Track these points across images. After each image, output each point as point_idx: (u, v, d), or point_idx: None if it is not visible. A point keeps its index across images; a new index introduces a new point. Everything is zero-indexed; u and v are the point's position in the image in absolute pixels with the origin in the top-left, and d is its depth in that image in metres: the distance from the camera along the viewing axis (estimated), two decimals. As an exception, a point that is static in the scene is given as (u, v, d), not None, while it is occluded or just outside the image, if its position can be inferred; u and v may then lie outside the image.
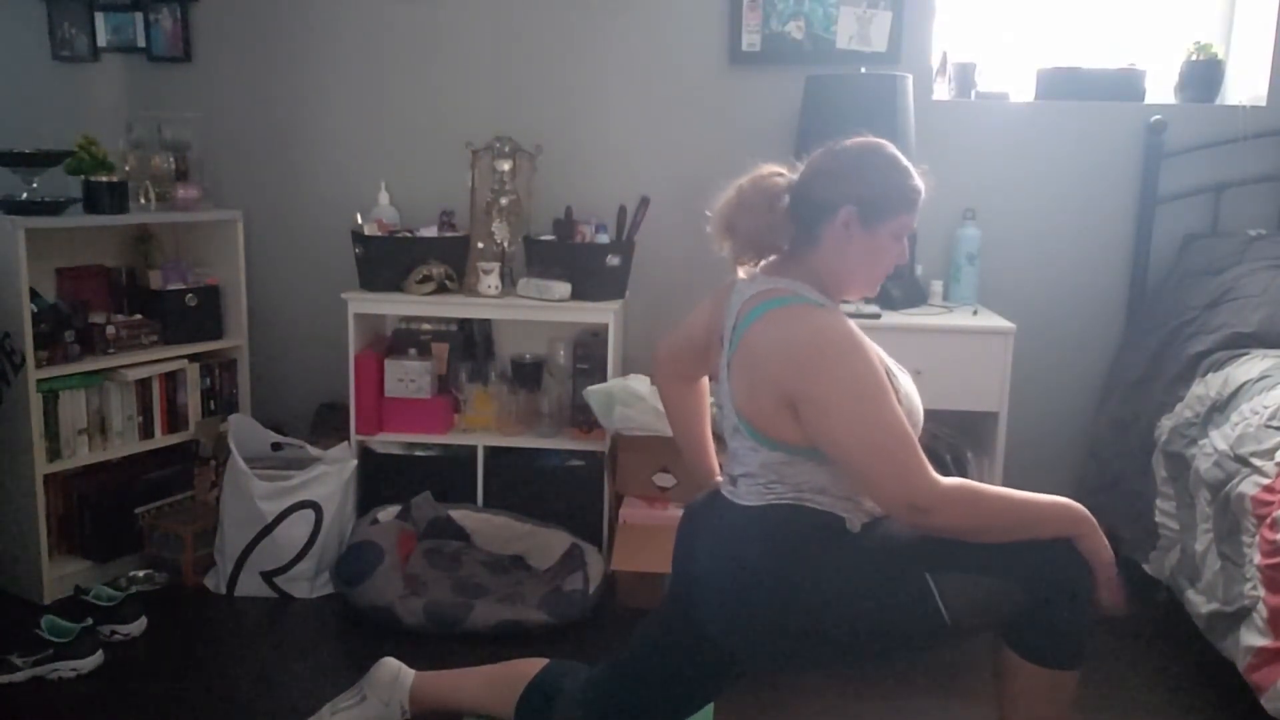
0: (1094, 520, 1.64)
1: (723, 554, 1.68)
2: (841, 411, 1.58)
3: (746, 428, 1.66)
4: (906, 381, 1.75)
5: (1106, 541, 1.63)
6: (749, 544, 1.65)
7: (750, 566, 1.64)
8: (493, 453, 2.97)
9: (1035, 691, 1.66)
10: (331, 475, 2.80)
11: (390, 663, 2.07)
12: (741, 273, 1.78)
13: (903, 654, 1.81)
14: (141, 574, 2.79)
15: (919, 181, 1.74)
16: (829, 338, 1.61)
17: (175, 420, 2.98)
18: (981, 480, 2.72)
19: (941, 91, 3.11)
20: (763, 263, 1.75)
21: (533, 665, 1.98)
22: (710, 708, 2.19)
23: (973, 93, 3.09)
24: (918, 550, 1.62)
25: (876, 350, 1.69)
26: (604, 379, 2.91)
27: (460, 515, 2.89)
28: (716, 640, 1.73)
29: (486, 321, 3.16)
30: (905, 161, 1.73)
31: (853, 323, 1.66)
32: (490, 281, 2.92)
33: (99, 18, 3.26)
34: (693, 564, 1.76)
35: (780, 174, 1.75)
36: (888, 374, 1.67)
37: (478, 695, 2.01)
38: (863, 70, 2.81)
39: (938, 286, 2.95)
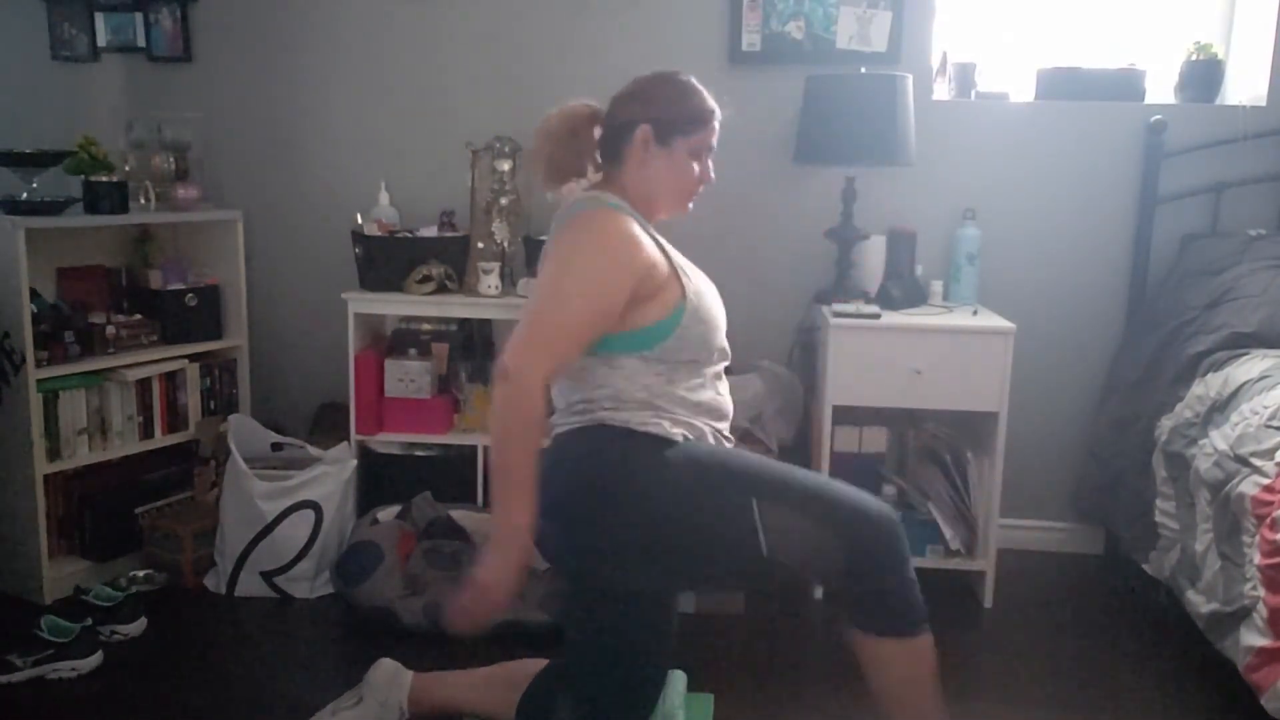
0: (514, 554, 1.62)
1: (543, 483, 1.68)
2: (544, 271, 1.71)
3: None
4: (703, 283, 1.80)
5: (499, 571, 1.61)
6: (560, 468, 1.71)
7: (567, 486, 1.70)
8: (493, 453, 2.97)
9: (894, 665, 1.70)
10: (331, 475, 2.80)
11: (387, 664, 2.07)
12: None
13: (727, 581, 1.87)
14: (141, 574, 2.79)
15: (712, 103, 1.86)
16: (590, 220, 1.72)
17: (175, 420, 2.98)
18: (981, 481, 2.73)
19: (941, 91, 3.10)
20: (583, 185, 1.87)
21: (533, 665, 1.98)
22: (710, 706, 2.18)
23: (973, 93, 3.09)
24: (748, 477, 1.68)
25: (666, 259, 1.74)
26: (604, 379, 2.91)
27: (460, 515, 2.88)
28: (569, 573, 1.79)
29: (486, 321, 3.16)
30: (699, 86, 1.86)
31: (635, 229, 1.72)
32: (490, 281, 2.92)
33: (99, 18, 3.26)
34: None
35: (587, 105, 1.87)
36: (677, 271, 1.73)
37: (478, 695, 2.01)
38: (863, 70, 2.81)
39: (938, 286, 2.95)
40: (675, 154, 1.81)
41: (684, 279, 1.74)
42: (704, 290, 1.79)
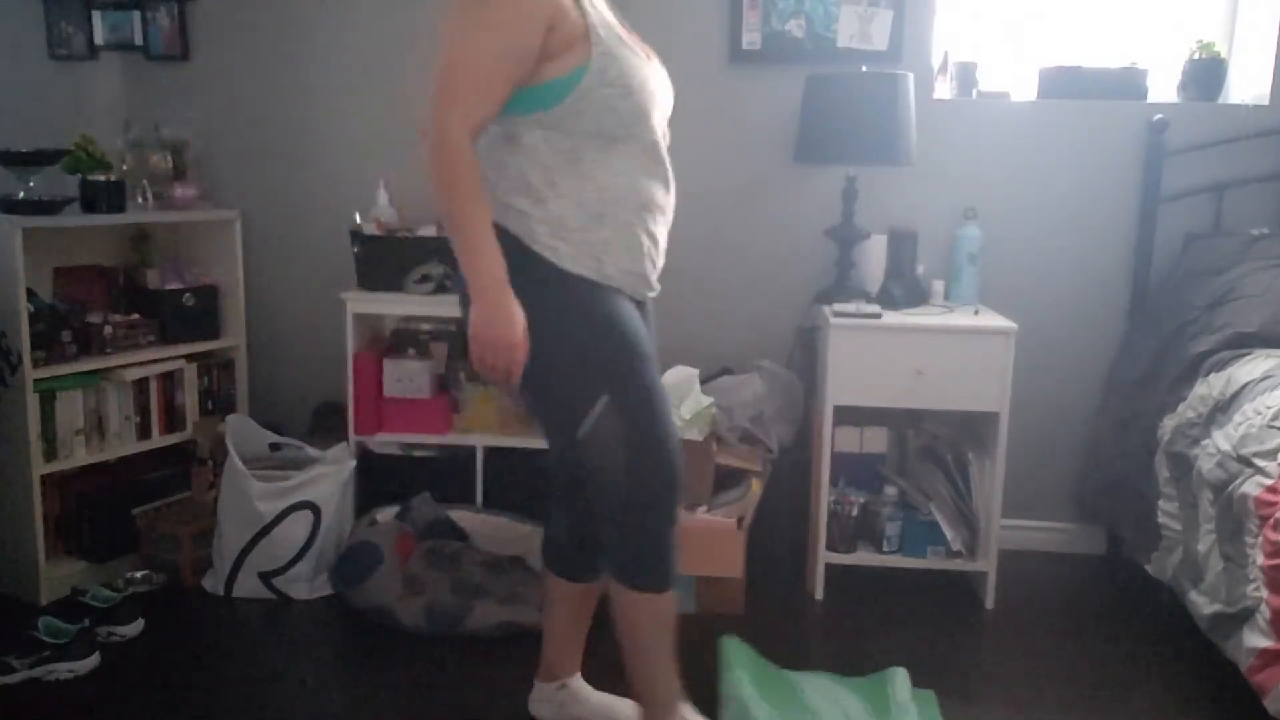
0: (501, 300, 1.66)
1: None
2: (448, 19, 1.64)
3: None
4: (629, 53, 1.71)
5: (494, 320, 1.65)
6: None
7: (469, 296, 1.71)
8: (492, 453, 2.96)
9: (640, 619, 1.86)
10: (330, 476, 2.79)
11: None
12: None
13: (550, 432, 1.88)
14: (139, 575, 2.78)
15: None
16: None
17: (173, 420, 2.98)
18: (982, 482, 2.72)
19: (943, 91, 3.10)
20: None
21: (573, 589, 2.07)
22: (934, 702, 2.24)
23: (974, 92, 3.08)
24: (615, 372, 1.73)
25: (582, 15, 1.66)
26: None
27: (459, 516, 2.88)
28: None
29: (486, 321, 3.15)
30: None
31: None
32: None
33: (96, 16, 3.24)
34: None
35: None
36: (590, 28, 1.65)
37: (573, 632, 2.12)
38: (864, 69, 2.80)
39: (939, 286, 2.94)
40: None
41: (595, 38, 1.66)
42: (626, 58, 1.70)
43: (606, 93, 1.67)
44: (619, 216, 1.74)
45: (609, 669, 2.10)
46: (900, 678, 2.27)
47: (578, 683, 2.13)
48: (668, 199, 1.82)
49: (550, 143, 1.69)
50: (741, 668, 2.26)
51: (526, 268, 1.69)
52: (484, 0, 1.63)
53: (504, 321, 1.65)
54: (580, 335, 1.72)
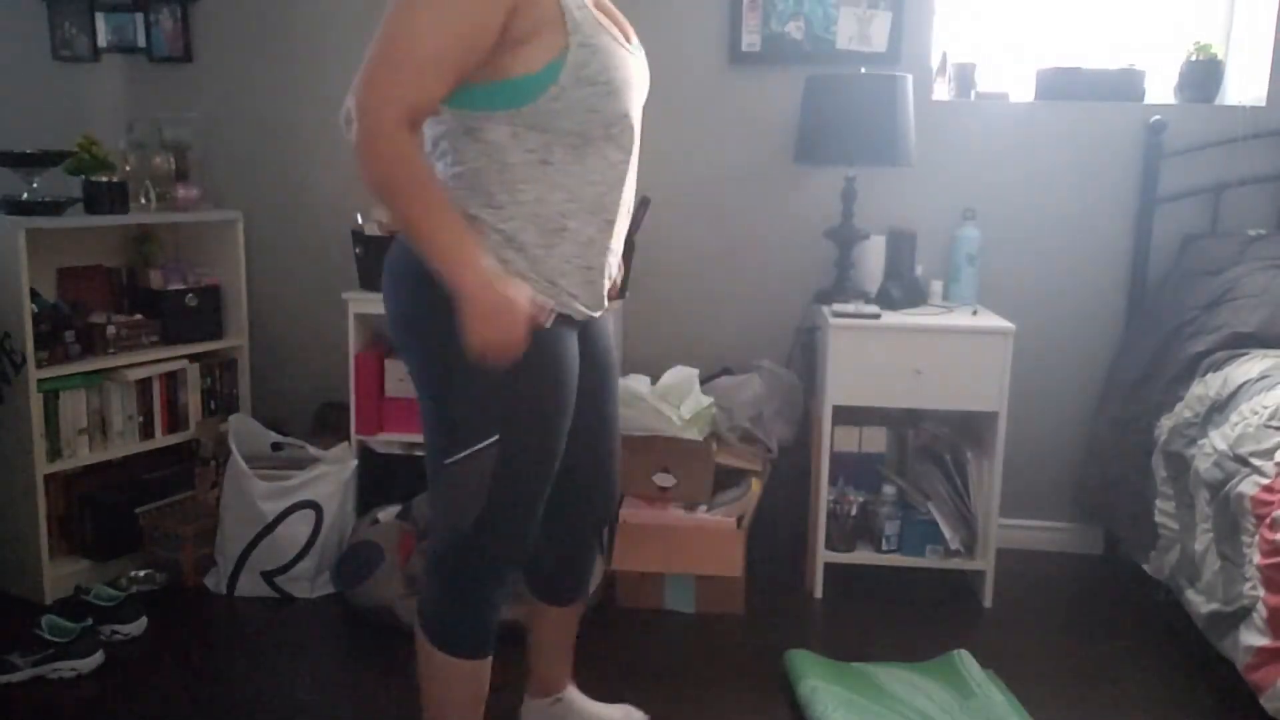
0: (473, 284, 1.42)
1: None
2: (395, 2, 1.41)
3: None
4: (596, 32, 1.48)
5: (477, 292, 1.42)
6: (396, 266, 1.59)
7: (395, 254, 1.58)
8: (493, 453, 2.97)
9: (433, 674, 1.70)
10: (332, 475, 2.80)
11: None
12: None
13: (425, 439, 1.63)
14: (142, 574, 2.79)
15: None
16: None
17: (175, 420, 2.99)
18: (981, 481, 2.73)
19: (941, 92, 3.10)
20: None
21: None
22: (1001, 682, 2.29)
23: (972, 93, 3.09)
24: (522, 423, 1.54)
25: (570, 2, 1.46)
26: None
27: (460, 515, 2.89)
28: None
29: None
30: None
31: None
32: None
33: (99, 18, 3.26)
34: None
35: None
36: (563, 14, 1.44)
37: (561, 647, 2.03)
38: (863, 70, 2.81)
39: (937, 286, 2.95)
40: None
41: (571, 24, 1.45)
42: (607, 47, 1.49)
43: (586, 92, 1.47)
44: (582, 232, 1.54)
45: (605, 679, 2.10)
46: (968, 658, 2.36)
47: (571, 694, 2.07)
48: (630, 204, 1.64)
49: (519, 140, 1.48)
50: (815, 675, 2.26)
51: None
52: None
53: (507, 317, 1.44)
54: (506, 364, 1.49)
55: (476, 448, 1.53)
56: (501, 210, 1.51)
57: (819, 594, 2.80)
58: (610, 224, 1.58)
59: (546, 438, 1.58)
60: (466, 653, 1.67)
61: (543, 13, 1.43)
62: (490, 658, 1.71)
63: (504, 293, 1.44)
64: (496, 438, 1.53)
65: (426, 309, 1.52)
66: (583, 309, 1.61)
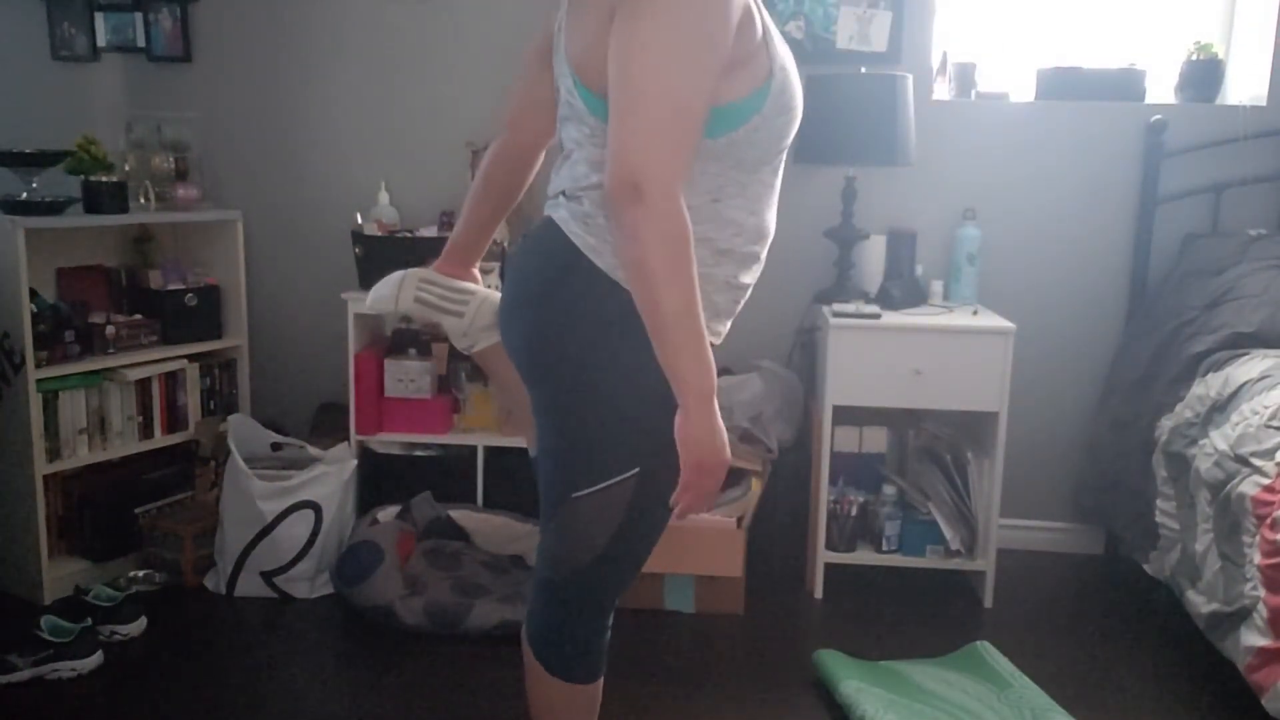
0: (710, 419, 1.30)
1: (514, 264, 1.49)
2: (633, 39, 1.23)
3: (578, 87, 1.37)
4: (786, 54, 1.38)
5: (711, 437, 1.32)
6: (535, 251, 1.46)
7: (527, 273, 1.45)
8: (493, 453, 2.97)
9: (551, 700, 1.59)
10: (331, 475, 2.80)
11: None
12: None
13: (550, 468, 1.50)
14: (141, 574, 2.79)
15: None
16: None
17: (175, 420, 2.98)
18: (981, 481, 2.73)
19: (941, 91, 3.10)
20: None
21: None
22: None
23: (973, 93, 3.09)
24: (666, 450, 1.35)
25: (759, 14, 1.33)
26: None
27: (460, 515, 2.89)
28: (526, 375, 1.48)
29: (486, 321, 3.16)
30: None
31: None
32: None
33: (99, 17, 3.25)
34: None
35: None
36: (764, 32, 1.33)
37: None
38: (863, 70, 2.81)
39: (938, 286, 2.95)
40: None
41: (770, 46, 1.31)
42: (793, 68, 1.37)
43: (781, 121, 1.34)
44: (733, 260, 1.43)
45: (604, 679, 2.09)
46: (991, 649, 2.41)
47: None
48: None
49: (694, 182, 1.32)
50: (855, 675, 2.26)
51: (626, 297, 1.34)
52: (668, 5, 1.23)
53: (722, 442, 1.32)
54: (663, 393, 1.32)
55: (614, 480, 1.43)
56: None
57: (819, 594, 2.80)
58: (756, 255, 1.47)
59: (679, 469, 1.44)
60: (582, 678, 1.59)
61: (753, 34, 1.30)
62: (602, 678, 1.64)
63: (726, 450, 1.34)
64: (637, 470, 1.43)
65: (606, 358, 1.40)
66: (721, 334, 1.53)
